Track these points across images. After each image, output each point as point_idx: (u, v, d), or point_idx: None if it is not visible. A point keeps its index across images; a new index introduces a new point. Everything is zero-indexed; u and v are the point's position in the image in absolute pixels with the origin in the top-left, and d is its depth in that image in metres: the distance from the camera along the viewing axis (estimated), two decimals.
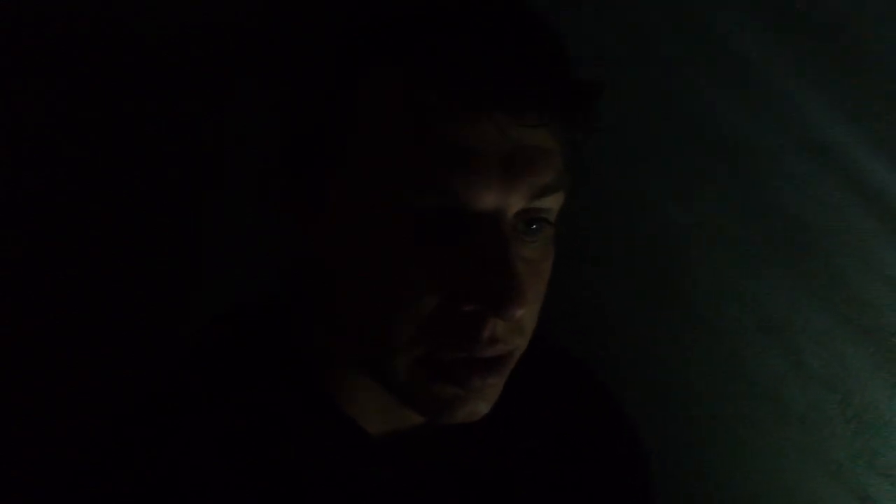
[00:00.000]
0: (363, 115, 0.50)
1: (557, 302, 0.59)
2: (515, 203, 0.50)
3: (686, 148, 0.78)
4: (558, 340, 0.71)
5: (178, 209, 0.78)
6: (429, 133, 0.48)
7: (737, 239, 0.77)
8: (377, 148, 0.50)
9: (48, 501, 0.58)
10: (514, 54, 0.48)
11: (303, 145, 0.53)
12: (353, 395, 0.57)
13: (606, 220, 0.81)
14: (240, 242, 0.76)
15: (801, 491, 0.77)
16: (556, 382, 0.69)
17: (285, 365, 0.58)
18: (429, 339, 0.50)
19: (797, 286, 0.76)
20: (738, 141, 0.76)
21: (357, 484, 0.56)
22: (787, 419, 0.77)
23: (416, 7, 0.49)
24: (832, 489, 0.76)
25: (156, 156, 0.76)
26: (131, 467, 0.53)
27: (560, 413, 0.67)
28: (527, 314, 0.52)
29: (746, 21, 0.74)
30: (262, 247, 0.64)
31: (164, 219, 0.77)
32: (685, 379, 0.80)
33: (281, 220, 0.56)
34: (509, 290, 0.49)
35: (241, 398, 0.56)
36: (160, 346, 0.70)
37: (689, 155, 0.78)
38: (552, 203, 0.52)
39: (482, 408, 0.53)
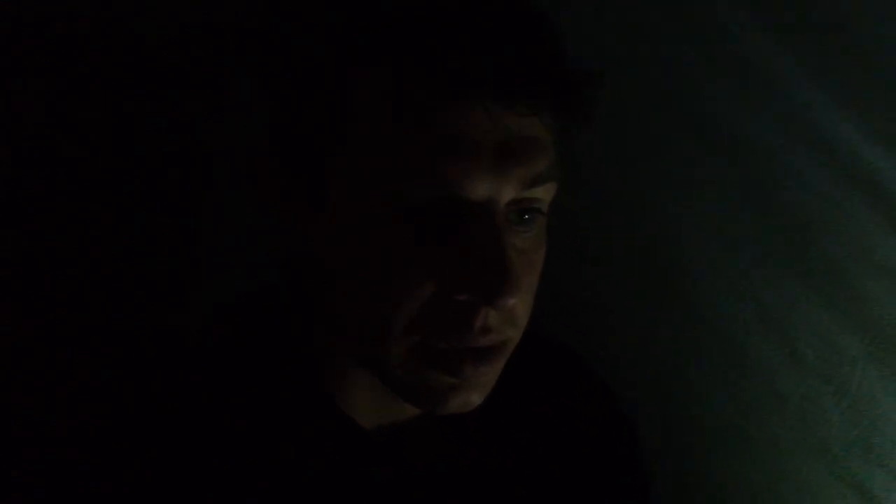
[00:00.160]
0: (361, 115, 0.50)
1: (557, 302, 0.59)
2: (508, 192, 0.50)
3: (686, 148, 0.78)
4: (558, 337, 0.71)
5: (178, 209, 0.78)
6: (423, 124, 0.48)
7: (736, 238, 0.77)
8: (375, 146, 0.50)
9: (48, 501, 0.58)
10: (506, 44, 0.48)
11: (302, 146, 0.53)
12: (352, 395, 0.57)
13: (606, 220, 0.81)
14: (240, 242, 0.76)
15: (797, 481, 0.77)
16: (556, 379, 0.69)
17: (285, 365, 0.58)
18: (423, 328, 0.51)
19: (795, 281, 0.76)
20: (739, 140, 0.76)
21: (356, 483, 0.57)
22: (783, 411, 0.77)
23: (410, 5, 0.49)
24: (828, 479, 0.76)
25: (155, 155, 0.76)
26: (131, 467, 0.53)
27: (559, 410, 0.67)
28: (520, 305, 0.53)
29: (746, 21, 0.74)
30: (262, 246, 0.64)
31: (163, 218, 0.77)
32: (685, 377, 0.80)
33: (281, 220, 0.56)
34: (501, 279, 0.49)
35: (241, 398, 0.56)
36: (160, 346, 0.70)
37: (689, 155, 0.78)
38: (544, 193, 0.53)
39: (475, 398, 0.53)
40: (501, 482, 0.62)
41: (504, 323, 0.52)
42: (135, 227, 0.76)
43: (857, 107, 0.72)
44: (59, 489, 0.56)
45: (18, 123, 0.72)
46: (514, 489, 0.62)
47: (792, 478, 0.77)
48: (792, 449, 0.77)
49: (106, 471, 0.54)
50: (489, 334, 0.51)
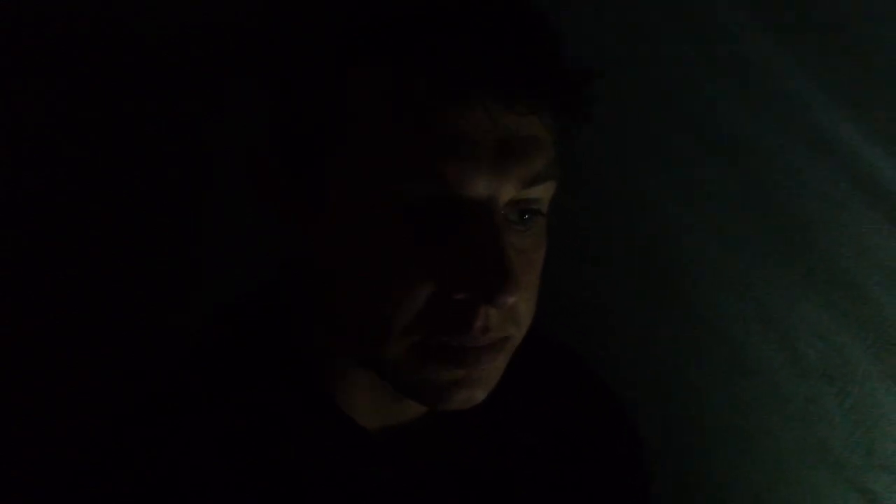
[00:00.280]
0: (361, 115, 0.50)
1: (557, 302, 0.59)
2: (507, 191, 0.50)
3: (686, 148, 0.78)
4: (558, 337, 0.71)
5: (178, 209, 0.78)
6: (423, 124, 0.48)
7: (736, 237, 0.77)
8: (375, 146, 0.50)
9: (48, 501, 0.58)
10: (506, 43, 0.48)
11: (302, 146, 0.53)
12: (352, 395, 0.57)
13: (606, 220, 0.81)
14: (240, 242, 0.76)
15: (799, 483, 0.77)
16: (556, 379, 0.69)
17: (285, 365, 0.58)
18: (423, 327, 0.51)
19: (796, 281, 0.76)
20: (739, 140, 0.76)
21: (357, 483, 0.56)
22: (784, 411, 0.77)
23: (410, 5, 0.49)
24: (830, 481, 0.76)
25: (155, 155, 0.76)
26: (131, 467, 0.53)
27: (559, 410, 0.67)
28: (521, 304, 0.53)
29: (746, 21, 0.74)
30: (262, 246, 0.64)
31: (163, 218, 0.77)
32: (685, 377, 0.80)
33: (281, 220, 0.56)
34: (500, 277, 0.49)
35: (241, 398, 0.56)
36: (160, 346, 0.70)
37: (689, 155, 0.78)
38: (543, 193, 0.53)
39: (479, 394, 0.53)
40: (502, 482, 0.62)
41: (505, 322, 0.52)
42: (135, 227, 0.76)
43: (857, 107, 0.72)
44: (59, 489, 0.56)
45: (18, 123, 0.71)
46: (514, 489, 0.62)
47: (793, 479, 0.77)
48: (793, 449, 0.77)
49: (106, 471, 0.54)
50: (489, 333, 0.51)
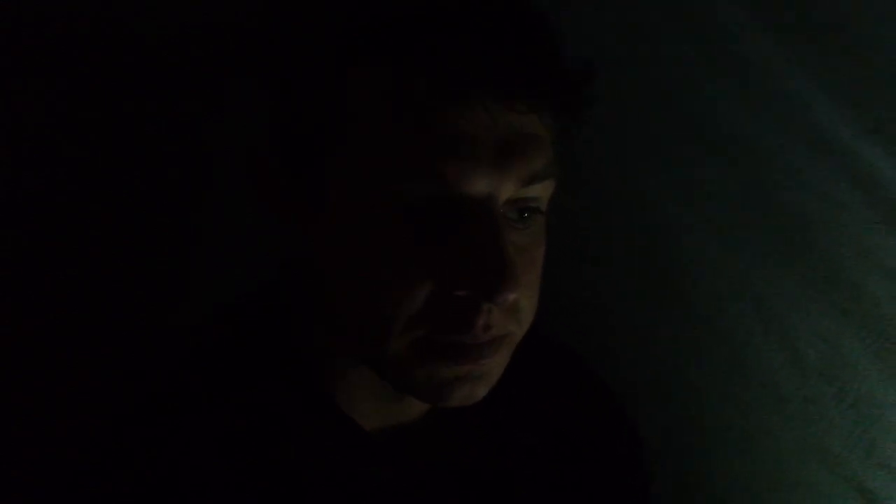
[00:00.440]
0: (361, 115, 0.50)
1: (557, 302, 0.59)
2: (507, 189, 0.50)
3: (686, 148, 0.78)
4: (558, 337, 0.71)
5: (178, 209, 0.78)
6: (423, 124, 0.48)
7: (736, 237, 0.77)
8: (375, 146, 0.50)
9: (48, 501, 0.58)
10: (506, 43, 0.49)
11: (302, 146, 0.53)
12: (352, 395, 0.57)
13: (606, 220, 0.81)
14: (240, 242, 0.76)
15: (798, 482, 0.77)
16: (557, 379, 0.69)
17: (285, 365, 0.58)
18: (423, 325, 0.51)
19: (796, 280, 0.76)
20: (739, 140, 0.76)
21: (357, 483, 0.56)
22: (783, 411, 0.77)
23: (410, 5, 0.49)
24: (830, 480, 0.76)
25: (155, 155, 0.76)
26: (131, 467, 0.53)
27: (560, 410, 0.67)
28: (523, 301, 0.53)
29: (746, 21, 0.74)
30: (262, 246, 0.64)
31: (163, 218, 0.77)
32: (685, 377, 0.80)
33: (280, 220, 0.56)
34: (500, 274, 0.49)
35: (241, 398, 0.56)
36: (160, 346, 0.70)
37: (689, 155, 0.78)
38: (542, 191, 0.53)
39: (480, 391, 0.53)
40: (502, 482, 0.62)
41: (507, 319, 0.52)
42: (135, 226, 0.76)
43: (857, 107, 0.72)
44: (59, 489, 0.56)
45: (18, 123, 0.71)
46: (514, 489, 0.62)
47: (792, 478, 0.77)
48: (793, 449, 0.77)
49: (106, 471, 0.54)
50: (491, 331, 0.51)
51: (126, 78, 0.73)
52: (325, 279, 0.54)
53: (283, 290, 0.60)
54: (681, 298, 0.79)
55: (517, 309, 0.53)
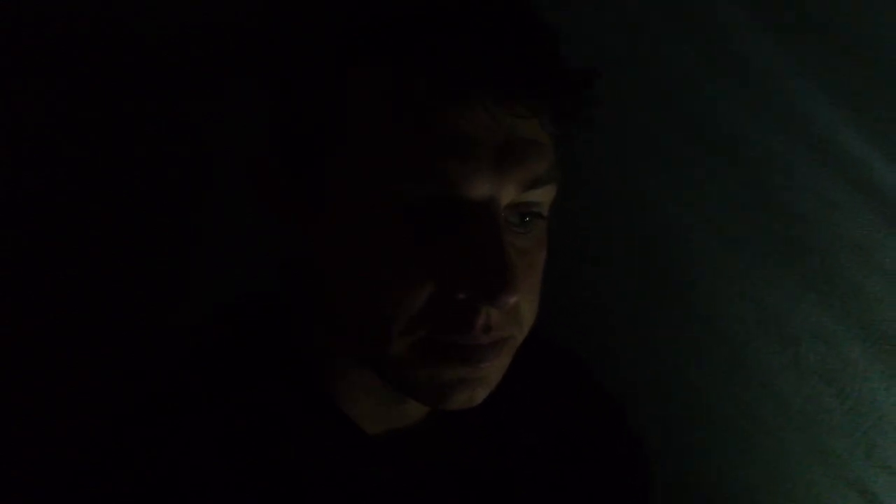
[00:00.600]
0: (361, 115, 0.50)
1: (557, 302, 0.59)
2: (508, 193, 0.50)
3: (686, 148, 0.78)
4: (558, 339, 0.71)
5: (178, 209, 0.78)
6: (423, 124, 0.48)
7: (737, 237, 0.77)
8: (375, 146, 0.50)
9: (48, 501, 0.58)
10: (506, 44, 0.49)
11: (302, 146, 0.53)
12: (352, 395, 0.57)
13: (606, 220, 0.81)
14: (240, 242, 0.76)
15: (799, 483, 0.77)
16: (557, 381, 0.69)
17: (285, 365, 0.58)
18: (424, 326, 0.51)
19: (796, 282, 0.76)
20: (739, 140, 0.76)
21: (357, 484, 0.56)
22: (785, 412, 0.77)
23: (410, 5, 0.49)
24: (830, 481, 0.76)
25: (155, 155, 0.76)
26: (131, 467, 0.53)
27: (560, 412, 0.67)
28: (523, 304, 0.53)
29: (746, 21, 0.74)
30: (262, 246, 0.64)
31: (163, 218, 0.77)
32: (685, 377, 0.80)
33: (280, 220, 0.56)
34: (501, 277, 0.49)
35: (241, 398, 0.56)
36: (160, 346, 0.70)
37: (689, 155, 0.78)
38: (543, 196, 0.53)
39: (480, 394, 0.53)
40: (502, 483, 0.62)
41: (507, 321, 0.52)
42: (135, 227, 0.76)
43: (857, 107, 0.72)
44: (59, 489, 0.56)
45: (18, 123, 0.72)
46: (514, 491, 0.62)
47: (793, 479, 0.77)
48: (793, 450, 0.77)
49: (106, 471, 0.54)
50: (491, 332, 0.51)
51: (126, 78, 0.73)
52: (326, 279, 0.54)
53: (283, 289, 0.60)
54: (681, 298, 0.79)
55: (518, 312, 0.53)
